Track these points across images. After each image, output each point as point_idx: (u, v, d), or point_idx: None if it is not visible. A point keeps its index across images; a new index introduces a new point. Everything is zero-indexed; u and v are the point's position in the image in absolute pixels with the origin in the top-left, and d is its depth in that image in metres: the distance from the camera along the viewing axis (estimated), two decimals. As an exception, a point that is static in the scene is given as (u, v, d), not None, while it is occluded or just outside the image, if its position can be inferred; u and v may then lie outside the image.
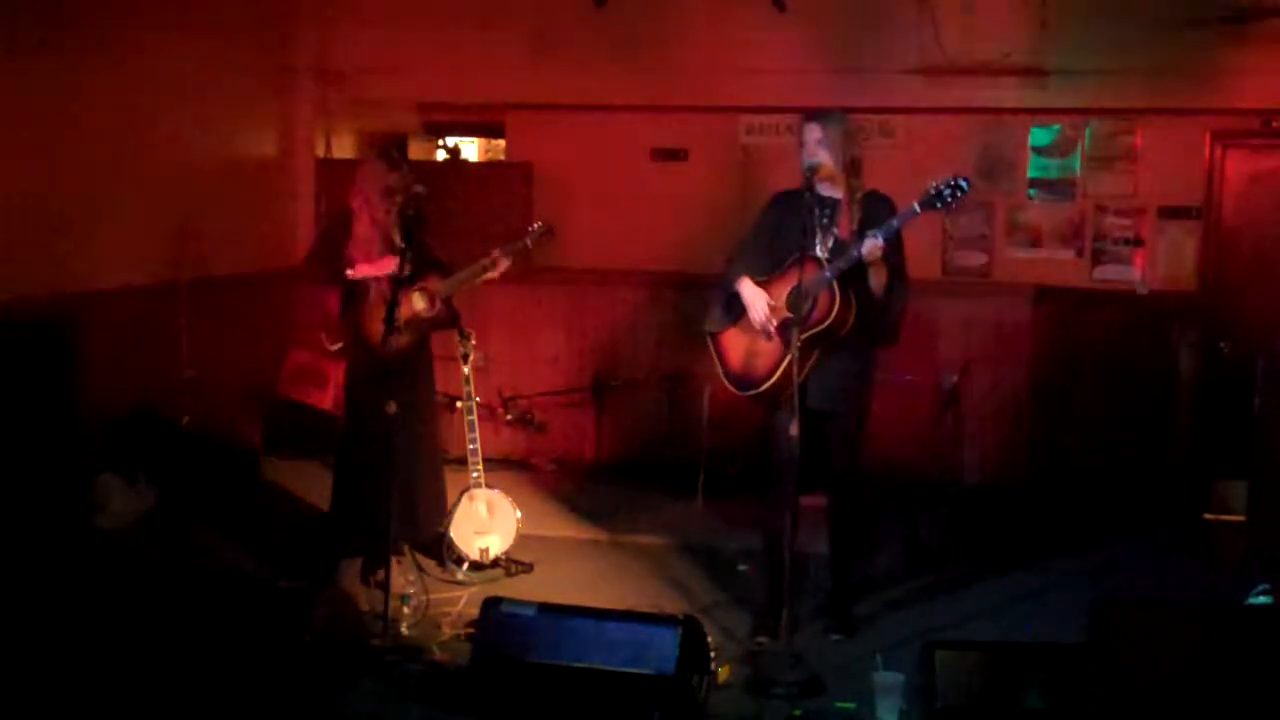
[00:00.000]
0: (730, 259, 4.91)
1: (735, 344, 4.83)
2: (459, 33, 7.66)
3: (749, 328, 4.76)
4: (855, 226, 4.61)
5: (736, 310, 4.79)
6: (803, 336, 4.49)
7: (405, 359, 5.15)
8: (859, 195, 4.69)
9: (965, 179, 4.37)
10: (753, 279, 4.76)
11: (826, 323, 4.53)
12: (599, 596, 5.01)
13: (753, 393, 4.75)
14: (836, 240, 4.64)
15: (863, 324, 4.63)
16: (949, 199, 4.38)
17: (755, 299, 4.71)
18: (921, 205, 4.41)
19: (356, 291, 5.23)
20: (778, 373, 4.64)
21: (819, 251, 4.63)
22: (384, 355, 4.88)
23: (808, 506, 4.86)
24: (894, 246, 4.54)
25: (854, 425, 4.81)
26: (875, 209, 4.62)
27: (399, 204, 5.13)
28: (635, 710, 3.89)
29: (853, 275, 4.54)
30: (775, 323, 4.67)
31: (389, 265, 5.04)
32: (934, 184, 4.39)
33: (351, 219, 5.26)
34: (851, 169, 4.71)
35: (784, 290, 4.66)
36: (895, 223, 4.44)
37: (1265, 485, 5.58)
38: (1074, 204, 7.25)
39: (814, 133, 4.67)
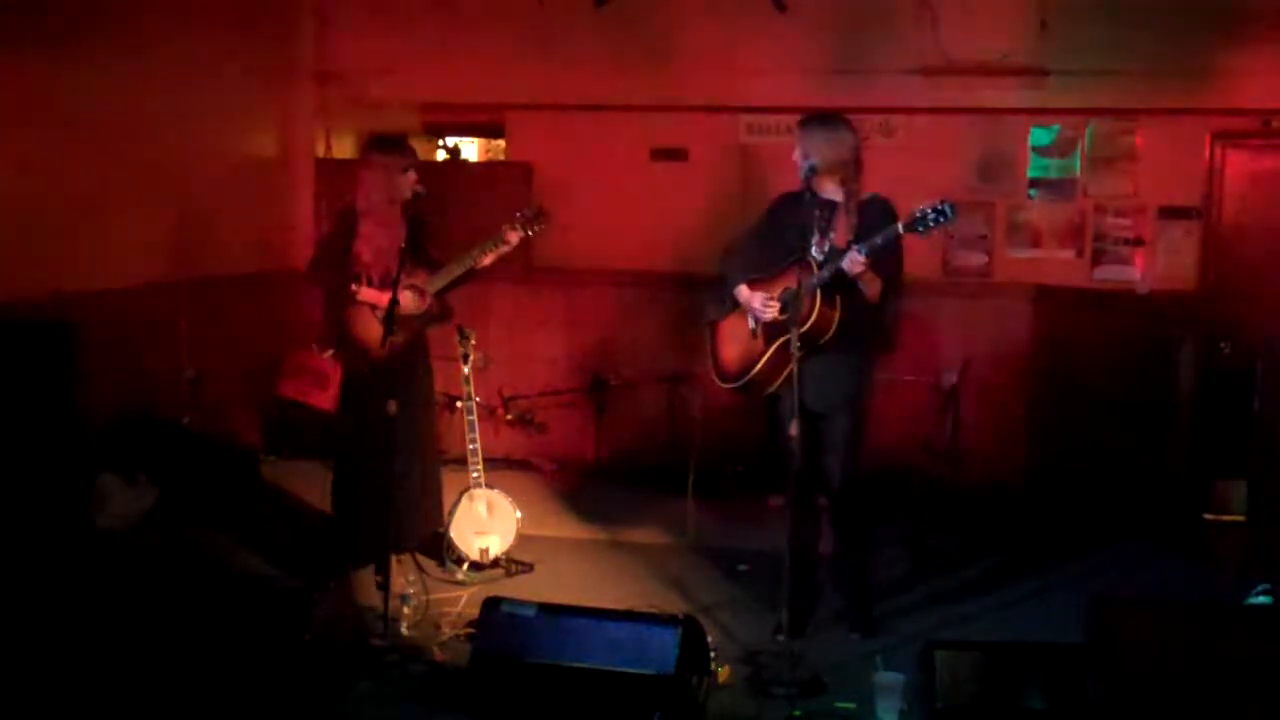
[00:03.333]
0: (723, 255, 4.97)
1: (725, 338, 4.96)
2: (459, 33, 7.66)
3: (737, 324, 4.87)
4: (851, 233, 4.63)
5: (729, 305, 4.91)
6: (783, 339, 4.58)
7: (399, 358, 5.12)
8: (853, 201, 4.68)
9: (951, 205, 4.37)
10: (747, 278, 4.81)
11: (803, 329, 4.55)
12: (599, 596, 5.01)
13: (728, 386, 4.93)
14: (832, 245, 4.66)
15: (854, 329, 4.65)
16: (931, 224, 4.39)
17: (751, 299, 4.78)
18: (904, 228, 4.43)
19: (345, 293, 5.24)
20: (753, 370, 4.78)
21: (816, 254, 4.66)
22: (381, 356, 4.88)
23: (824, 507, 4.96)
24: (886, 257, 4.54)
25: (850, 427, 4.81)
26: (872, 214, 4.62)
27: (406, 199, 5.12)
28: (635, 710, 3.89)
29: (842, 282, 4.56)
30: (765, 320, 4.73)
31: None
32: (919, 208, 4.41)
33: (357, 217, 5.26)
34: (848, 172, 4.69)
35: (774, 292, 4.72)
36: (878, 240, 4.45)
37: (1265, 485, 5.58)
38: (1074, 204, 7.25)
39: (803, 137, 4.70)
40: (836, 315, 4.59)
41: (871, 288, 4.57)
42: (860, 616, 4.94)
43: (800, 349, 4.50)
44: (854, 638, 4.85)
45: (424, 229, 5.31)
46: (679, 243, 7.51)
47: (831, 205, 4.69)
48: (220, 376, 6.92)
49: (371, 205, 5.21)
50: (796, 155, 4.69)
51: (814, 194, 4.63)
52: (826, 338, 4.61)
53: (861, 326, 4.67)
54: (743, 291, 4.81)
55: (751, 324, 4.81)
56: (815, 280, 4.54)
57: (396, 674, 4.37)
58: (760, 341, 4.76)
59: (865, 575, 5.02)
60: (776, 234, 4.77)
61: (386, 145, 5.32)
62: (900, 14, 7.14)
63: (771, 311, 4.70)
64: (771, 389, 4.77)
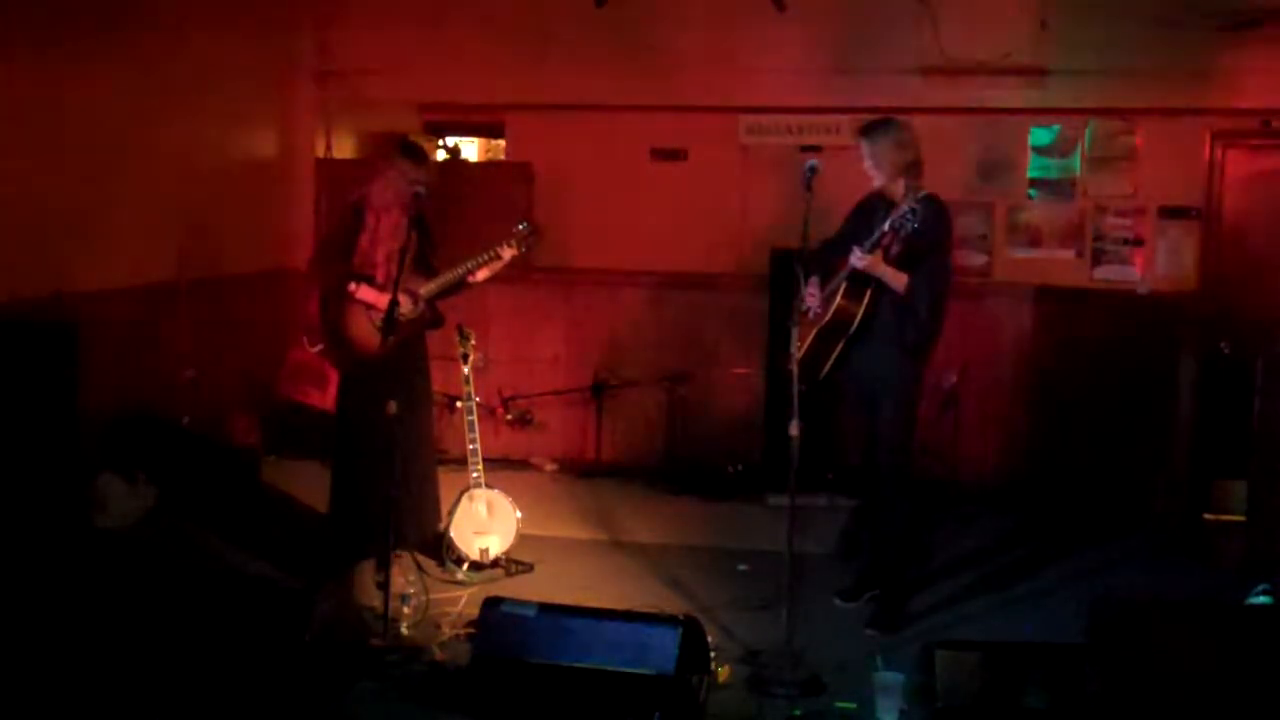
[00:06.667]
0: (814, 253, 5.11)
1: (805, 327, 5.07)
2: (459, 33, 7.65)
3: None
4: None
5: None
6: (816, 328, 4.90)
7: (393, 359, 5.07)
8: (904, 201, 4.74)
9: (912, 210, 4.58)
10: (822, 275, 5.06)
11: (825, 319, 4.90)
12: (599, 596, 5.01)
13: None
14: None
15: (887, 322, 4.86)
16: (897, 227, 4.63)
17: (806, 288, 5.02)
18: (890, 225, 4.66)
19: (343, 290, 5.23)
20: (799, 354, 4.91)
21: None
22: (380, 356, 4.87)
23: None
24: (911, 255, 4.72)
25: (892, 418, 4.91)
26: (919, 214, 4.65)
27: (418, 203, 5.12)
28: (635, 710, 3.89)
29: (870, 278, 4.80)
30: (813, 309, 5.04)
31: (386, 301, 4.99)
32: (889, 220, 4.65)
33: (365, 213, 5.25)
34: (908, 172, 4.86)
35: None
36: (872, 239, 4.71)
37: (1265, 485, 5.58)
38: (1074, 204, 7.25)
39: (862, 149, 4.91)
40: (860, 308, 4.82)
41: (894, 282, 4.77)
42: (883, 613, 4.96)
43: (838, 338, 4.86)
44: (869, 634, 4.85)
45: (428, 234, 5.32)
46: (679, 243, 7.52)
47: (890, 205, 4.83)
48: (220, 376, 6.92)
49: (385, 204, 5.22)
50: (868, 165, 4.89)
51: (880, 195, 4.90)
52: (852, 329, 4.86)
53: (891, 320, 4.85)
54: (809, 283, 5.02)
55: (811, 315, 5.05)
56: (841, 276, 4.84)
57: (396, 674, 4.36)
58: (811, 328, 5.00)
59: (899, 571, 5.06)
60: (854, 232, 4.98)
61: (412, 153, 5.32)
62: (900, 14, 7.13)
63: (813, 301, 4.97)
64: (822, 373, 4.99)
